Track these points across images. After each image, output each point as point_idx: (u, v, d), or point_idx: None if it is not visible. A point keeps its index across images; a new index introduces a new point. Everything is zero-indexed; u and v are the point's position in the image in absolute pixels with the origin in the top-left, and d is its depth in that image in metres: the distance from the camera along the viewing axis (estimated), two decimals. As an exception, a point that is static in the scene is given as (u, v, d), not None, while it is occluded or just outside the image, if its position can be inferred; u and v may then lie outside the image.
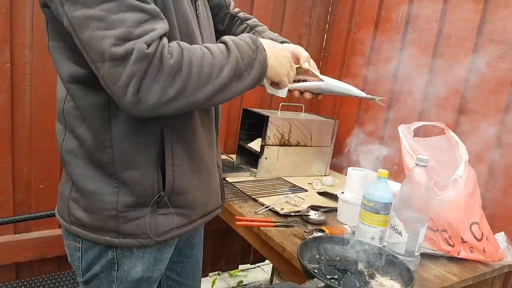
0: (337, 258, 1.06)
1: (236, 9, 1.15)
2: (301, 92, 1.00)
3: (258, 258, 2.46)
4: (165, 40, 0.68)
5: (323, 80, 0.99)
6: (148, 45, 0.64)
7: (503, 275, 1.26)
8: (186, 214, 0.87)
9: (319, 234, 1.17)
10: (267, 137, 1.74)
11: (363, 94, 1.03)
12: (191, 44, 0.75)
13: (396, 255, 1.06)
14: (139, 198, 0.80)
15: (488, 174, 1.42)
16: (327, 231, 1.22)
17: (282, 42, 1.06)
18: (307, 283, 0.89)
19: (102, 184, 0.79)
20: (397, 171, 1.69)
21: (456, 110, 1.52)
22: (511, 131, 1.37)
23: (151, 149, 0.79)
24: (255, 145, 1.83)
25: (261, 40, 0.84)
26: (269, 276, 2.49)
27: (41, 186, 1.63)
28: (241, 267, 2.43)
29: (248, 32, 1.10)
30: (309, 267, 0.97)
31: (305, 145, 1.86)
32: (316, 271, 0.98)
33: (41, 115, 1.56)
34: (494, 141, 1.40)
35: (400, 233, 1.08)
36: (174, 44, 0.70)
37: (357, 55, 2.00)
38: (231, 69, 0.74)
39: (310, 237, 1.14)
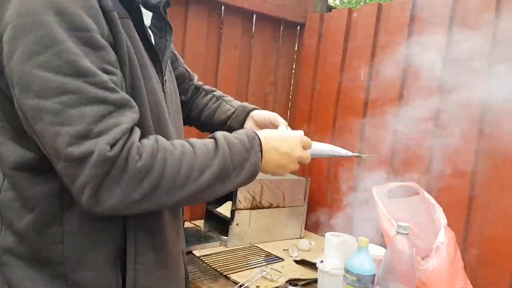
0: None
1: (200, 82, 1.13)
2: None
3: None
4: (135, 135, 0.61)
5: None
6: (112, 146, 0.57)
7: None
8: None
9: (301, 317, 1.07)
10: (237, 201, 1.65)
11: (349, 153, 1.00)
12: (160, 122, 0.71)
13: (386, 337, 0.97)
14: None
15: (464, 231, 1.39)
16: (308, 311, 1.11)
17: (252, 109, 1.04)
18: None
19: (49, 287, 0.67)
20: (372, 232, 1.64)
21: (426, 169, 1.51)
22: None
23: (110, 244, 0.69)
24: (225, 209, 1.73)
25: (264, 134, 0.78)
26: None
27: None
28: None
29: (214, 102, 1.07)
30: None
31: (278, 206, 1.78)
32: None
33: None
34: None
35: (388, 311, 1.00)
36: (149, 141, 0.63)
37: (323, 112, 2.00)
38: (215, 170, 0.68)
39: (291, 322, 1.03)
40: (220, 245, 1.63)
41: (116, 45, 0.64)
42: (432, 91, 1.51)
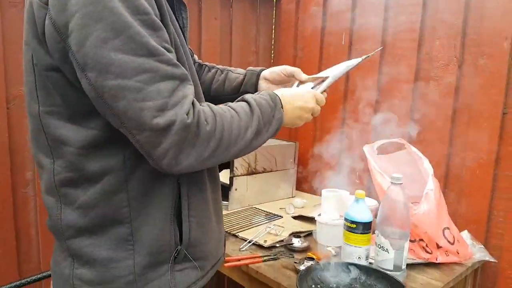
0: (334, 285, 1.09)
1: (200, 60, 1.19)
2: None
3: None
4: (198, 105, 0.70)
5: (328, 76, 1.02)
6: (187, 114, 0.65)
7: (473, 271, 1.38)
8: (201, 266, 0.85)
9: (310, 262, 1.20)
10: (235, 168, 1.74)
11: (360, 59, 1.06)
12: (197, 94, 0.76)
13: (386, 272, 1.11)
14: (156, 256, 0.77)
15: (445, 177, 1.55)
16: (314, 257, 1.24)
17: (261, 71, 1.10)
18: (318, 319, 0.90)
19: (114, 249, 0.75)
20: (359, 184, 1.78)
21: (409, 120, 1.64)
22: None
23: (167, 201, 0.77)
24: (223, 177, 1.82)
25: (280, 93, 0.87)
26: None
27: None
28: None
29: (220, 74, 1.13)
30: (313, 301, 0.98)
31: (271, 171, 1.89)
32: (318, 302, 1.00)
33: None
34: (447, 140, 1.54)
35: (387, 250, 1.14)
36: (206, 108, 0.71)
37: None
38: (254, 129, 0.77)
39: (303, 268, 1.15)
40: (222, 210, 1.73)
41: (163, 24, 0.69)
42: (413, 46, 1.62)
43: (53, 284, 0.84)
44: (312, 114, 0.94)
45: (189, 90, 0.69)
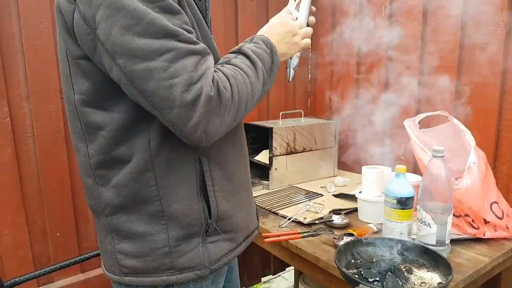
0: (373, 260, 1.09)
1: None
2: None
3: (278, 268, 2.46)
4: (215, 74, 0.73)
5: None
6: (210, 86, 0.70)
7: (527, 247, 1.30)
8: (233, 238, 0.88)
9: (350, 238, 1.19)
10: (274, 148, 1.76)
11: None
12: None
13: (428, 247, 1.09)
14: (188, 229, 0.82)
15: (494, 151, 1.47)
16: (355, 233, 1.24)
17: None
18: (355, 291, 0.91)
19: (149, 224, 0.81)
20: (404, 161, 1.73)
21: (454, 98, 1.56)
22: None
23: (192, 179, 0.81)
24: (262, 157, 1.85)
25: (266, 30, 0.90)
26: (292, 284, 2.50)
27: (58, 235, 1.62)
28: (263, 279, 2.43)
29: None
30: (351, 275, 0.99)
31: (310, 150, 1.89)
32: (357, 276, 1.00)
33: (47, 164, 1.56)
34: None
35: (429, 225, 1.11)
36: (220, 75, 0.75)
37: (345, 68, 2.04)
38: (261, 81, 0.83)
39: (342, 243, 1.16)
40: (262, 188, 1.77)
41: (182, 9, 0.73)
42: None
43: (102, 259, 0.91)
44: (298, 36, 0.92)
45: (210, 62, 0.72)
